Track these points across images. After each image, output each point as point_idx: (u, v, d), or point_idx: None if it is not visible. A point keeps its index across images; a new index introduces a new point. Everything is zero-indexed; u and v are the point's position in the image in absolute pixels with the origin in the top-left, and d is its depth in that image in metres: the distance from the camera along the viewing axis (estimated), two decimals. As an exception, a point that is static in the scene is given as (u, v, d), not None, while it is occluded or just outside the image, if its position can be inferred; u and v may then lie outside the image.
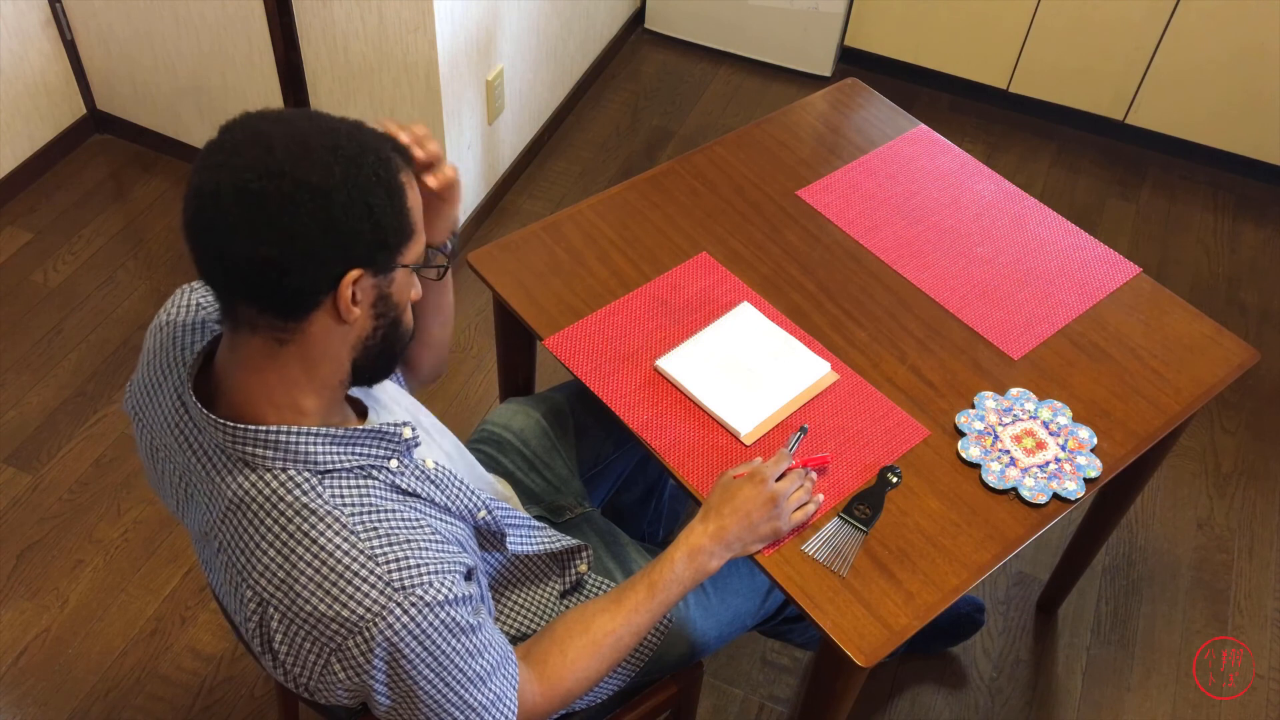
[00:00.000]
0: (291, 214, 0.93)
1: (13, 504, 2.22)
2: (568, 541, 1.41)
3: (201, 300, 1.18)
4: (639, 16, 3.44)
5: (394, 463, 1.10)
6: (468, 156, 2.63)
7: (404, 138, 1.11)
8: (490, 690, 1.10)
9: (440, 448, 1.28)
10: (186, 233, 0.97)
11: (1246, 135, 2.99)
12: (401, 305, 1.07)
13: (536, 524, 1.38)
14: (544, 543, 1.38)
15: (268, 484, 1.03)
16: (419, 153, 1.14)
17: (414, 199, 1.03)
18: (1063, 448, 1.50)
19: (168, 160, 2.91)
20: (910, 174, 1.87)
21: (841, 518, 1.41)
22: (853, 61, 3.35)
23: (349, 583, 1.01)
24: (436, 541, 1.07)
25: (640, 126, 3.15)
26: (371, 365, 1.08)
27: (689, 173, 1.84)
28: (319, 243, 0.95)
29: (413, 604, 1.01)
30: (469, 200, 2.73)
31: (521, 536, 1.33)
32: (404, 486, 1.10)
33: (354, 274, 0.98)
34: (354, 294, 0.99)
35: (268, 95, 2.58)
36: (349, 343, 1.04)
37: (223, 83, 2.63)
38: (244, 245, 0.94)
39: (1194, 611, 2.21)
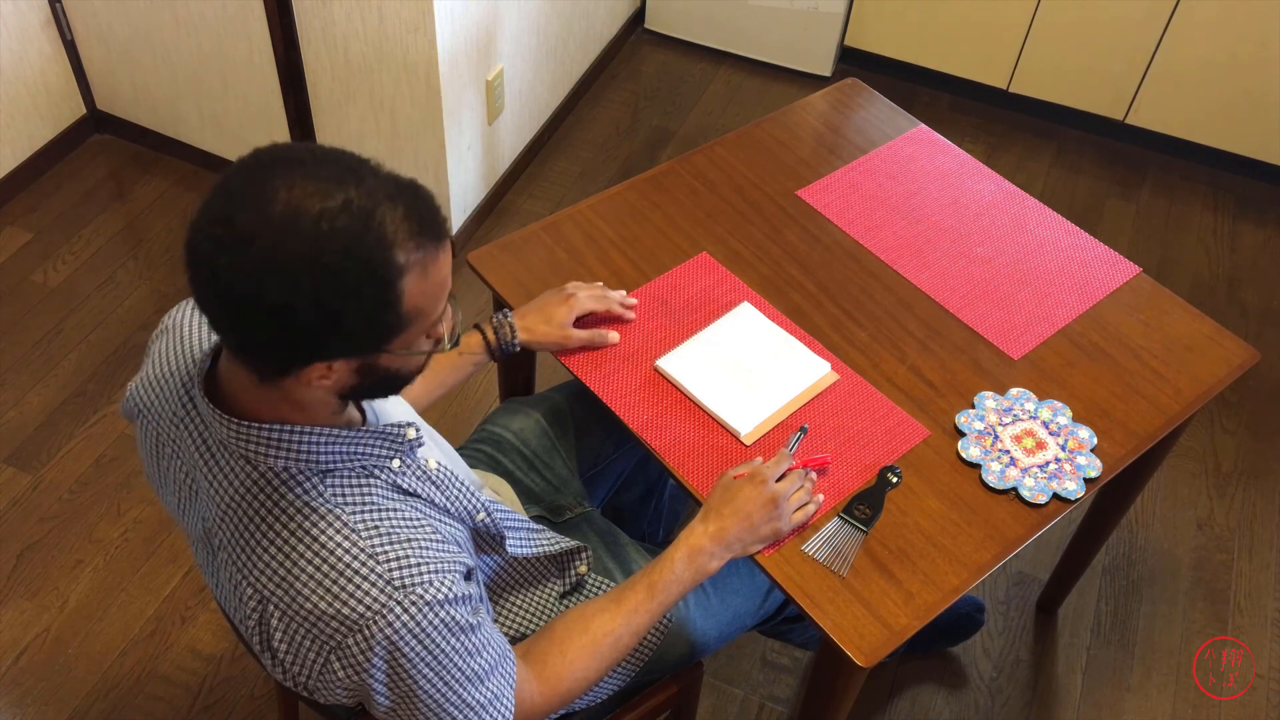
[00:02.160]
0: (250, 317, 0.92)
1: (13, 504, 2.22)
2: (567, 543, 1.41)
3: None
4: (639, 16, 3.44)
5: (396, 462, 1.10)
6: (468, 156, 2.63)
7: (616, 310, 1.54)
8: (489, 689, 1.11)
9: (439, 449, 1.28)
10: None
11: (1246, 135, 2.99)
12: (394, 370, 1.03)
13: (536, 526, 1.38)
14: (543, 545, 1.38)
15: (269, 481, 1.03)
16: (624, 313, 1.57)
17: (414, 287, 0.95)
18: (1063, 448, 1.50)
19: (168, 160, 2.91)
20: (910, 174, 1.87)
21: (841, 518, 1.41)
22: (853, 61, 3.35)
23: (349, 581, 1.01)
24: (437, 541, 1.07)
25: (640, 126, 3.15)
26: (365, 397, 1.08)
27: (689, 173, 1.84)
28: (278, 344, 0.94)
29: (413, 603, 1.01)
30: (469, 200, 2.73)
31: (520, 539, 1.33)
32: (405, 486, 1.10)
33: (318, 366, 0.96)
34: (327, 369, 0.97)
35: (268, 95, 2.58)
36: (334, 391, 1.02)
37: (223, 83, 2.63)
38: (213, 303, 0.93)
39: (1194, 611, 2.21)
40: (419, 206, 0.95)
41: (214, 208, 0.91)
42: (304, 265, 0.89)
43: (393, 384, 1.05)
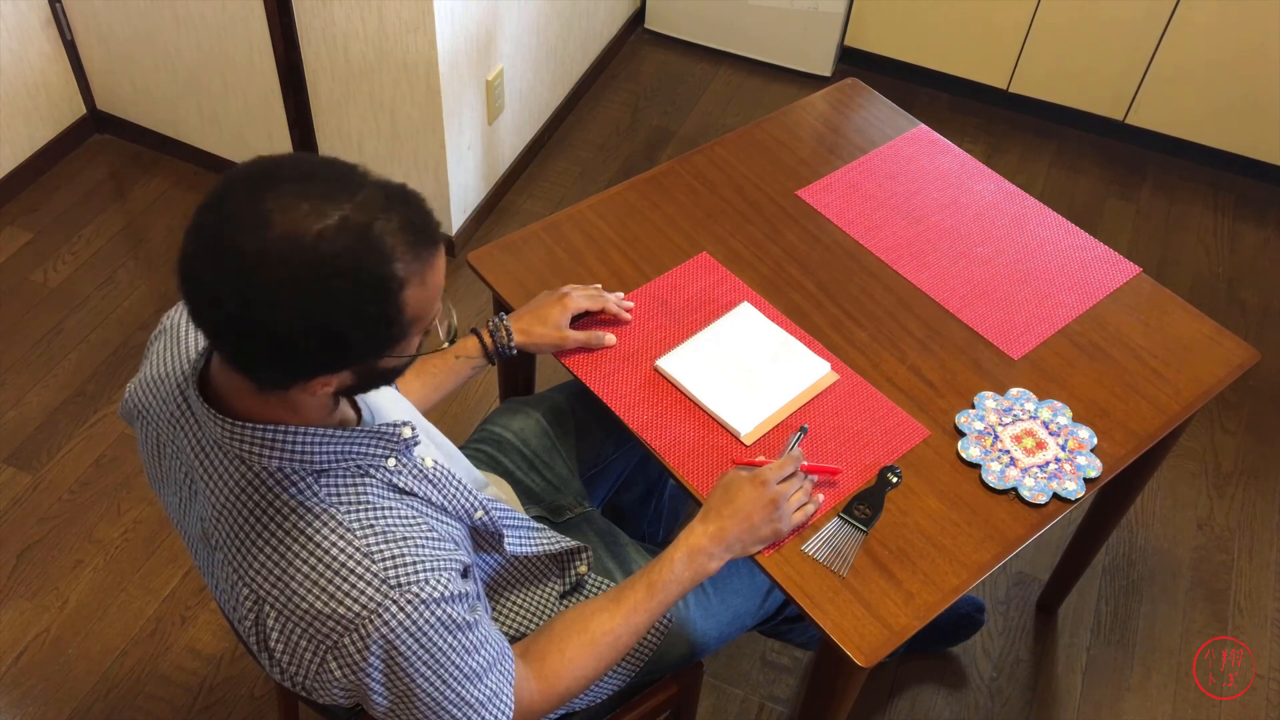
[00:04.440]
0: (254, 343, 0.92)
1: (13, 504, 2.22)
2: (567, 543, 1.41)
3: None
4: (639, 16, 3.44)
5: (392, 461, 1.10)
6: (468, 156, 2.63)
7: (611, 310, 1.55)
8: (487, 686, 1.10)
9: (439, 447, 1.28)
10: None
11: (1246, 135, 2.99)
12: (391, 369, 1.04)
13: (535, 525, 1.38)
14: (543, 544, 1.37)
15: (264, 481, 1.03)
16: (620, 313, 1.57)
17: (414, 296, 0.96)
18: (1063, 448, 1.50)
19: (168, 160, 2.91)
20: (910, 174, 1.87)
21: (841, 518, 1.41)
22: (853, 61, 3.35)
23: (345, 580, 1.01)
24: (433, 539, 1.07)
25: (640, 126, 3.15)
26: (359, 393, 1.08)
27: (689, 173, 1.84)
28: (283, 365, 0.94)
29: (409, 601, 1.01)
30: (469, 200, 2.73)
31: (520, 537, 1.33)
32: (401, 485, 1.10)
33: (320, 379, 0.97)
34: (330, 379, 0.98)
35: (268, 95, 2.58)
36: (330, 390, 1.02)
37: (223, 83, 2.63)
38: (213, 326, 0.93)
39: (1194, 611, 2.21)
40: (412, 214, 0.94)
41: (208, 231, 0.90)
42: (309, 292, 0.89)
43: (387, 380, 1.06)
